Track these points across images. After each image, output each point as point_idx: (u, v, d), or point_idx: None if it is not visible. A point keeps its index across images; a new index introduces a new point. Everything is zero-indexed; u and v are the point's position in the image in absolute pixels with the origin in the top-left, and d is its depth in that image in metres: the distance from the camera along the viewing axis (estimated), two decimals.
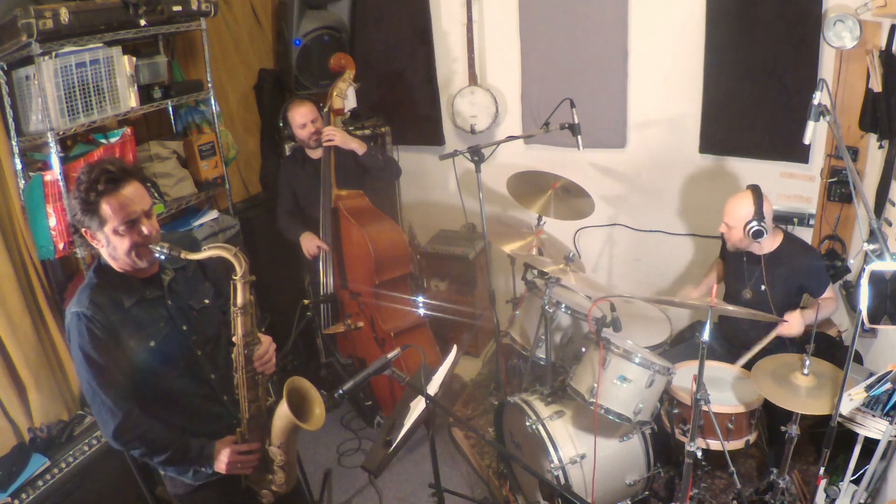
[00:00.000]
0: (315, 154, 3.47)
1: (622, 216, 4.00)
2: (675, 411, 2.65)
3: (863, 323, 2.05)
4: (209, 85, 3.34)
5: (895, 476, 2.39)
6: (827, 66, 3.16)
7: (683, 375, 2.67)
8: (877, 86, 2.84)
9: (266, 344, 1.95)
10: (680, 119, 3.62)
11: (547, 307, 2.87)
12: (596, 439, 2.58)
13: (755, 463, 3.10)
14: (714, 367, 2.78)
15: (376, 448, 2.20)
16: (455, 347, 2.25)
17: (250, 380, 1.91)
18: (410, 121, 4.31)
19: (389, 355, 1.99)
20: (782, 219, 3.40)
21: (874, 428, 2.15)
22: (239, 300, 1.83)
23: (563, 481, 2.53)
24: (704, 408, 2.38)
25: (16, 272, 2.63)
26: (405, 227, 4.44)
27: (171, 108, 3.38)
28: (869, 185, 3.04)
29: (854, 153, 3.13)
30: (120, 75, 2.83)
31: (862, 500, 2.33)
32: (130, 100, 2.91)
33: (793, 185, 3.46)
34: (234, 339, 1.88)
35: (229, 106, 3.84)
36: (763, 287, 2.80)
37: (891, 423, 2.11)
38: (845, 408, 2.18)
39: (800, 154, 3.34)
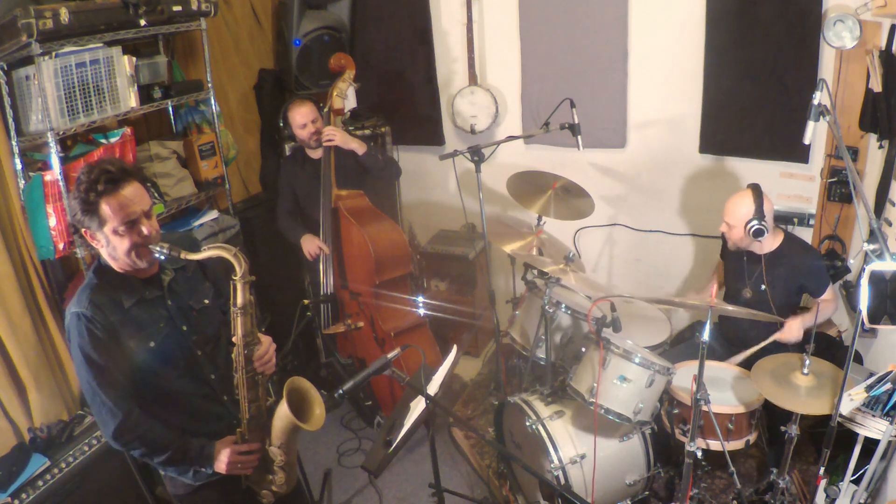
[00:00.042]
0: (315, 154, 3.47)
1: (622, 216, 4.00)
2: (675, 411, 2.65)
3: (863, 323, 2.06)
4: (209, 85, 3.34)
5: (895, 476, 2.39)
6: (827, 66, 3.16)
7: (683, 375, 2.67)
8: (877, 86, 2.84)
9: (266, 344, 1.95)
10: (680, 119, 3.62)
11: (547, 307, 2.87)
12: (596, 439, 2.58)
13: (755, 463, 3.10)
14: (714, 367, 2.78)
15: (376, 448, 2.20)
16: (455, 347, 2.25)
17: (250, 380, 1.91)
18: (410, 121, 4.31)
19: (389, 355, 1.99)
20: (782, 219, 3.41)
21: (874, 428, 2.15)
22: (239, 300, 1.82)
23: (563, 481, 2.53)
24: (704, 408, 2.38)
25: (16, 272, 2.63)
26: (405, 227, 4.44)
27: (171, 108, 3.38)
28: (869, 185, 3.04)
29: (854, 153, 3.13)
30: (120, 75, 2.83)
31: (862, 500, 2.33)
32: (130, 100, 2.91)
33: (793, 185, 3.46)
34: (234, 339, 1.87)
35: (229, 106, 3.84)
36: (763, 287, 2.80)
37: (891, 423, 2.11)
38: (845, 408, 2.18)
39: (800, 154, 3.34)
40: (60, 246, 2.66)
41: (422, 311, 3.54)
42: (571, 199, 3.38)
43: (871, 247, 2.13)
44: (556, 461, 2.55)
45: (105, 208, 1.70)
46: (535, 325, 3.02)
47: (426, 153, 4.35)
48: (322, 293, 3.44)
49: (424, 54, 4.13)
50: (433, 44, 4.09)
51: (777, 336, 2.75)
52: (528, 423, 2.67)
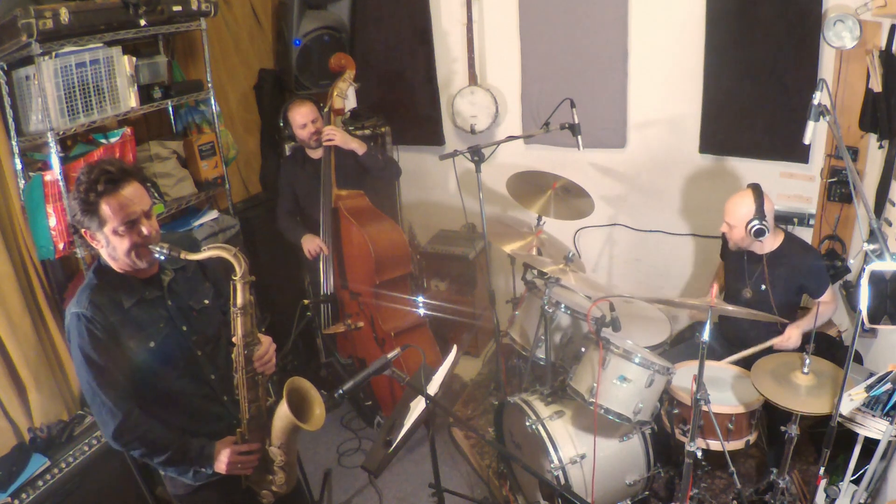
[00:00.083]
0: (315, 154, 3.47)
1: (622, 216, 4.00)
2: (675, 411, 2.66)
3: (863, 323, 2.06)
4: (209, 85, 3.34)
5: (895, 476, 2.39)
6: (827, 66, 3.16)
7: (683, 375, 2.67)
8: (877, 86, 2.84)
9: (266, 344, 1.95)
10: (680, 119, 3.62)
11: (547, 307, 2.87)
12: (596, 439, 2.58)
13: (755, 463, 3.10)
14: (714, 367, 2.78)
15: (376, 448, 2.20)
16: (455, 347, 2.25)
17: (250, 380, 1.91)
18: (410, 121, 4.31)
19: (389, 355, 1.99)
20: (782, 219, 3.41)
21: (874, 428, 2.15)
22: (239, 300, 1.82)
23: (563, 481, 2.53)
24: (704, 408, 2.38)
25: (16, 272, 2.63)
26: (405, 227, 4.44)
27: (171, 108, 3.38)
28: (869, 185, 3.04)
29: (854, 153, 3.13)
30: (120, 75, 2.83)
31: (862, 500, 2.33)
32: (130, 100, 2.91)
33: (793, 185, 3.46)
34: (234, 339, 1.87)
35: (229, 106, 3.84)
36: (764, 287, 2.80)
37: (891, 423, 2.11)
38: (845, 408, 2.18)
39: (800, 154, 3.34)
40: (60, 246, 2.66)
41: (422, 311, 3.54)
42: (571, 199, 3.38)
43: (871, 247, 2.13)
44: (556, 461, 2.55)
45: (105, 208, 1.70)
46: (535, 325, 3.02)
47: (426, 153, 4.35)
48: (322, 293, 3.44)
49: (424, 54, 4.12)
50: (433, 44, 4.09)
51: (775, 342, 2.75)
52: (528, 423, 2.67)
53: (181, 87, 3.23)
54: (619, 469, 2.66)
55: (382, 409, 3.62)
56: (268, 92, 4.05)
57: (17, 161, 2.67)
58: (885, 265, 1.99)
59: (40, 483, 2.39)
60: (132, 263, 1.80)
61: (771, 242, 2.78)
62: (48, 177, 2.61)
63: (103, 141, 2.86)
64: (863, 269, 2.05)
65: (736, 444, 2.58)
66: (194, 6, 3.07)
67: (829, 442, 2.21)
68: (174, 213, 3.30)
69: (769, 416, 2.74)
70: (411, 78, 4.23)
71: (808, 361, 2.33)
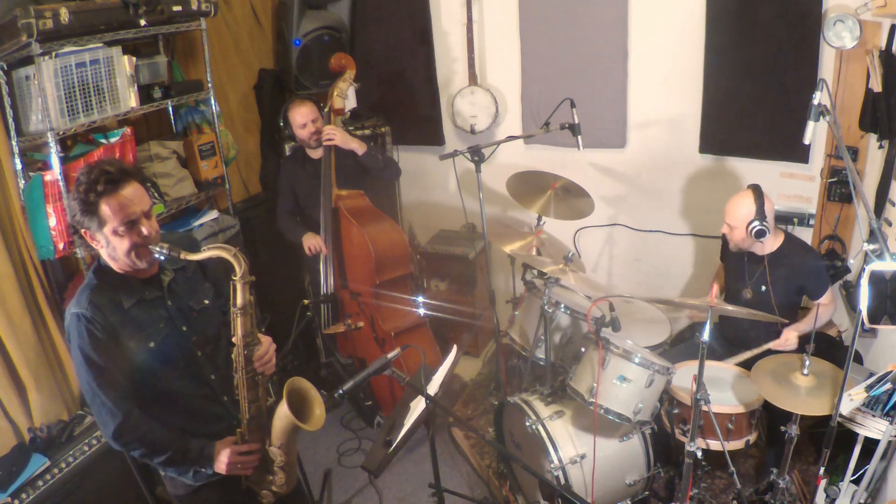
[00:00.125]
0: (315, 154, 3.47)
1: (622, 216, 4.00)
2: (675, 411, 2.65)
3: (863, 323, 2.05)
4: (209, 85, 3.34)
5: (895, 476, 2.39)
6: (827, 66, 3.16)
7: (683, 375, 2.67)
8: (877, 86, 2.84)
9: (266, 344, 1.95)
10: (680, 119, 3.62)
11: (546, 307, 2.87)
12: (596, 439, 2.58)
13: (755, 463, 3.10)
14: (714, 367, 2.78)
15: (376, 448, 2.20)
16: (455, 347, 2.25)
17: (250, 380, 1.91)
18: (410, 121, 4.31)
19: (389, 355, 1.99)
20: (782, 219, 3.41)
21: (874, 428, 2.15)
22: (239, 301, 1.82)
23: (563, 481, 2.54)
24: (704, 408, 2.38)
25: (16, 272, 2.63)
26: (405, 227, 4.44)
27: (171, 108, 3.38)
28: (869, 185, 3.04)
29: (854, 153, 3.13)
30: (120, 75, 2.83)
31: (862, 500, 2.33)
32: (130, 100, 2.91)
33: (793, 185, 3.46)
34: (233, 339, 1.87)
35: (229, 106, 3.84)
36: (764, 288, 2.80)
37: (891, 423, 2.11)
38: (845, 408, 2.18)
39: (800, 154, 3.34)
40: (60, 246, 2.66)
41: (422, 311, 3.54)
42: (571, 199, 3.38)
43: (871, 247, 2.13)
44: (556, 461, 2.55)
45: (105, 209, 1.70)
46: (535, 325, 3.02)
47: (426, 153, 4.35)
48: (322, 293, 3.44)
49: (424, 54, 4.12)
50: (433, 44, 4.09)
51: (772, 345, 2.75)
52: (528, 423, 2.67)
53: (181, 87, 3.23)
54: (619, 469, 2.66)
55: (382, 409, 3.62)
56: (268, 92, 4.05)
57: (17, 161, 2.67)
58: (885, 265, 1.99)
59: (40, 483, 2.39)
60: (132, 264, 1.79)
61: (771, 243, 2.78)
62: (48, 177, 2.61)
63: (103, 141, 2.86)
64: (863, 269, 2.05)
65: (736, 444, 2.58)
66: (194, 6, 3.07)
67: (829, 442, 2.21)
68: (174, 213, 3.30)
69: (769, 416, 2.75)
70: (411, 78, 4.23)
71: (807, 362, 2.33)
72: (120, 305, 1.81)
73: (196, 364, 1.94)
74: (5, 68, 2.63)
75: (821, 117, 2.12)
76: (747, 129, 3.45)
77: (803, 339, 2.71)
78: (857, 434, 2.22)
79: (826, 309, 2.73)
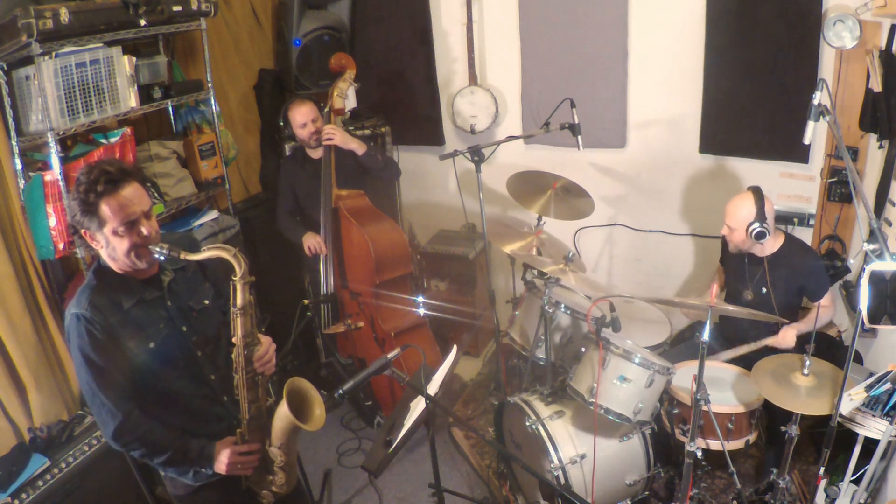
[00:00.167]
0: (315, 154, 3.47)
1: (622, 216, 4.00)
2: (675, 411, 2.66)
3: (863, 323, 2.05)
4: (209, 85, 3.34)
5: (895, 476, 2.39)
6: (827, 66, 3.16)
7: (683, 375, 2.67)
8: (877, 86, 2.83)
9: (266, 344, 1.95)
10: (680, 119, 3.62)
11: (547, 307, 2.87)
12: (596, 439, 2.58)
13: (755, 463, 3.10)
14: (714, 367, 2.78)
15: (376, 448, 2.20)
16: (455, 347, 2.25)
17: (250, 380, 1.90)
18: (410, 121, 4.31)
19: (389, 355, 1.99)
20: (782, 219, 3.40)
21: (874, 428, 2.15)
22: (238, 301, 1.82)
23: (563, 481, 2.54)
24: (704, 408, 2.38)
25: (16, 272, 2.62)
26: (405, 227, 4.44)
27: (171, 108, 3.38)
28: (869, 185, 3.04)
29: (854, 153, 3.13)
30: (120, 75, 2.83)
31: (862, 500, 2.33)
32: (130, 100, 2.91)
33: (793, 185, 3.46)
34: (233, 339, 1.87)
35: (229, 106, 3.84)
36: (765, 289, 2.80)
37: (891, 423, 2.11)
38: (845, 408, 2.18)
39: (800, 154, 3.34)
40: (60, 246, 2.66)
41: (422, 311, 3.54)
42: (571, 199, 3.38)
43: (871, 247, 2.13)
44: (556, 461, 2.55)
45: (104, 209, 1.70)
46: (535, 325, 3.02)
47: (426, 153, 4.35)
48: (322, 293, 3.44)
49: (424, 54, 4.12)
50: (433, 44, 4.09)
51: (770, 341, 2.75)
52: (528, 423, 2.67)
53: (181, 87, 3.23)
54: (619, 469, 2.66)
55: (382, 409, 3.62)
56: (268, 92, 4.05)
57: (17, 161, 2.67)
58: (885, 265, 1.99)
59: (40, 483, 2.39)
60: (132, 264, 1.79)
61: (771, 245, 2.78)
62: (48, 177, 2.61)
63: (103, 141, 2.86)
64: (863, 269, 2.05)
65: (736, 444, 2.58)
66: (194, 6, 3.07)
67: (829, 442, 2.21)
68: (174, 213, 3.30)
69: (769, 416, 2.75)
70: (411, 78, 4.23)
71: (808, 362, 2.33)
72: (120, 306, 1.81)
73: (196, 364, 1.94)
74: (5, 68, 2.63)
75: (821, 117, 2.12)
76: (747, 129, 3.45)
77: (803, 340, 2.71)
78: (857, 434, 2.21)
79: (826, 310, 2.73)
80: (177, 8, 2.98)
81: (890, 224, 2.72)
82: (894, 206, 2.72)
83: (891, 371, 2.18)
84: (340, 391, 1.91)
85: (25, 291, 2.67)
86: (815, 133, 2.22)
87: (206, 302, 2.01)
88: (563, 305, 3.00)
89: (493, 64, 4.03)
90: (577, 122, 3.06)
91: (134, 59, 2.93)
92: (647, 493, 2.77)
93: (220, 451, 1.90)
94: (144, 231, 1.76)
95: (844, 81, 3.10)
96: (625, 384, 2.48)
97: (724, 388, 2.66)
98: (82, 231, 1.76)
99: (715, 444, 2.54)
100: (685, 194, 3.79)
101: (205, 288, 2.03)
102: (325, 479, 2.99)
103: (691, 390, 2.35)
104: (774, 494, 2.58)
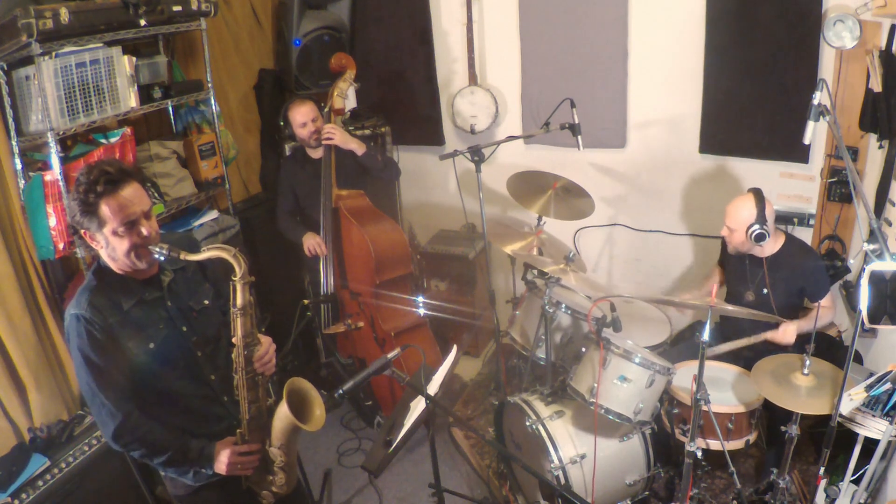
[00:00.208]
0: (315, 154, 3.47)
1: (622, 216, 4.00)
2: (675, 411, 2.66)
3: (863, 323, 2.05)
4: (209, 85, 3.34)
5: (895, 476, 2.39)
6: (827, 66, 3.16)
7: (683, 375, 2.67)
8: (877, 86, 2.84)
9: (266, 345, 1.95)
10: (680, 119, 3.62)
11: (547, 307, 2.87)
12: (596, 439, 2.58)
13: (755, 463, 3.10)
14: (714, 367, 2.78)
15: (376, 448, 2.20)
16: (455, 347, 2.25)
17: (250, 381, 1.91)
18: (410, 121, 4.30)
19: (389, 355, 1.99)
20: (782, 219, 3.40)
21: (874, 428, 2.15)
22: (238, 301, 1.82)
23: (563, 481, 2.54)
24: (704, 408, 2.38)
25: (16, 272, 2.62)
26: (405, 227, 4.44)
27: (171, 108, 3.37)
28: (869, 185, 3.04)
29: (854, 153, 3.13)
30: (120, 75, 2.83)
31: (862, 500, 2.33)
32: (130, 100, 2.91)
33: (793, 185, 3.46)
34: (233, 339, 1.87)
35: (229, 106, 3.84)
36: (766, 290, 2.80)
37: (891, 423, 2.11)
38: (845, 408, 2.18)
39: (800, 154, 3.34)
40: (60, 246, 2.66)
41: (422, 311, 3.54)
42: (571, 199, 3.38)
43: (871, 247, 2.13)
44: (556, 461, 2.55)
45: (104, 209, 1.70)
46: (535, 325, 3.02)
47: (426, 153, 4.35)
48: (322, 293, 3.44)
49: (424, 54, 4.12)
50: (433, 44, 4.09)
51: (770, 335, 2.74)
52: (528, 423, 2.67)
53: (181, 87, 3.23)
54: (619, 469, 2.66)
55: (382, 409, 3.62)
56: (268, 92, 4.05)
57: (17, 161, 2.67)
58: (885, 265, 1.99)
59: (40, 483, 2.39)
60: (132, 264, 1.79)
61: (772, 245, 2.78)
62: (48, 177, 2.61)
63: (103, 141, 2.86)
64: (863, 269, 2.05)
65: (736, 444, 2.58)
66: (194, 6, 3.07)
67: (829, 442, 2.21)
68: (174, 213, 3.30)
69: (769, 416, 2.75)
70: (411, 78, 4.23)
71: (807, 362, 2.33)
72: (119, 306, 1.81)
73: (196, 364, 1.94)
74: (5, 68, 2.63)
75: (821, 117, 2.12)
76: (747, 129, 3.45)
77: (803, 339, 2.71)
78: (857, 434, 2.22)
79: (827, 311, 2.73)
80: (177, 8, 2.98)
81: (890, 224, 2.72)
82: (894, 206, 2.72)
83: (891, 371, 2.18)
84: (340, 391, 1.91)
85: (25, 291, 2.67)
86: (815, 133, 2.22)
87: (206, 302, 2.00)
88: (563, 305, 3.00)
89: (493, 64, 4.03)
90: (577, 122, 3.06)
91: (134, 59, 2.93)
92: (647, 493, 2.77)
93: (220, 452, 1.90)
94: (144, 231, 1.76)
95: (844, 81, 3.10)
96: (625, 384, 2.48)
97: (724, 388, 2.66)
98: (82, 231, 1.76)
99: (715, 444, 2.54)
100: (685, 194, 3.79)
101: (205, 288, 2.03)
102: (325, 479, 2.98)
103: (691, 390, 2.35)
104: (774, 494, 2.58)
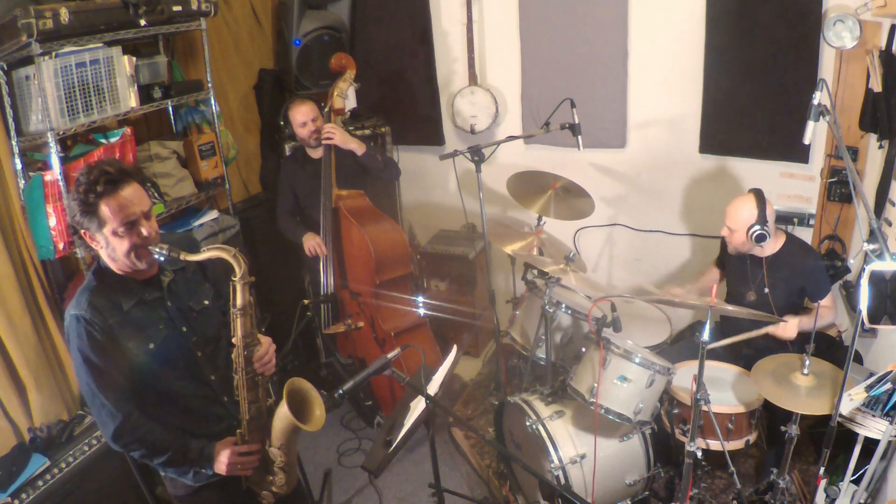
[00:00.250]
0: (315, 154, 3.47)
1: (622, 216, 4.00)
2: (675, 411, 2.66)
3: (863, 323, 2.05)
4: (209, 85, 3.34)
5: (895, 476, 2.39)
6: (827, 66, 3.16)
7: (683, 375, 2.67)
8: (877, 86, 2.83)
9: (266, 345, 1.95)
10: (680, 119, 3.62)
11: (547, 307, 2.87)
12: (596, 439, 2.58)
13: (755, 463, 3.10)
14: (714, 367, 2.78)
15: (376, 448, 2.20)
16: (455, 347, 2.25)
17: (250, 381, 1.90)
18: (410, 121, 4.31)
19: (389, 355, 1.99)
20: (782, 219, 3.40)
21: (874, 428, 2.15)
22: (238, 301, 1.82)
23: (563, 481, 2.54)
24: (704, 408, 2.38)
25: (16, 272, 2.62)
26: (405, 227, 4.44)
27: (171, 108, 3.37)
28: (869, 185, 3.04)
29: (854, 153, 3.13)
30: (120, 75, 2.83)
31: (862, 500, 2.33)
32: (130, 100, 2.91)
33: (793, 185, 3.46)
34: (233, 340, 1.87)
35: (229, 106, 3.84)
36: (766, 290, 2.80)
37: (891, 423, 2.11)
38: (845, 408, 2.18)
39: (800, 154, 3.34)
40: (60, 246, 2.66)
41: (422, 311, 3.54)
42: (571, 199, 3.38)
43: (871, 247, 2.13)
44: (556, 461, 2.55)
45: (104, 209, 1.70)
46: (536, 325, 3.02)
47: (426, 153, 4.35)
48: (322, 293, 3.44)
49: (424, 54, 4.12)
50: (433, 44, 4.09)
51: (771, 329, 2.72)
52: (528, 423, 2.67)
53: (181, 87, 3.23)
54: (619, 469, 2.66)
55: (382, 409, 3.62)
56: (268, 92, 4.05)
57: (17, 161, 2.67)
58: (885, 265, 1.99)
59: (40, 483, 2.39)
60: (132, 264, 1.79)
61: (772, 246, 2.77)
62: (48, 177, 2.61)
63: (103, 141, 2.86)
64: (863, 269, 2.05)
65: (736, 444, 2.58)
66: (194, 6, 3.07)
67: (829, 442, 2.21)
68: (174, 213, 3.30)
69: (769, 416, 2.75)
70: (411, 78, 4.23)
71: (807, 362, 2.33)
72: (119, 307, 1.81)
73: (196, 365, 1.94)
74: (5, 68, 2.63)
75: (821, 117, 2.13)
76: (747, 129, 3.45)
77: (803, 339, 2.71)
78: (857, 434, 2.22)
79: (827, 311, 2.73)
80: (177, 8, 2.98)
81: (890, 224, 2.72)
82: (894, 206, 2.72)
83: (891, 371, 2.18)
84: (340, 391, 1.91)
85: (25, 291, 2.67)
86: (815, 133, 2.23)
87: (206, 302, 2.00)
88: (563, 305, 3.00)
89: (493, 64, 4.03)
90: (577, 122, 3.06)
91: (134, 59, 2.93)
92: (647, 493, 2.77)
93: (220, 452, 1.90)
94: (144, 231, 1.76)
95: (844, 81, 3.10)
96: (625, 384, 2.48)
97: (724, 388, 2.66)
98: (82, 231, 1.76)
99: (715, 444, 2.54)
100: (685, 194, 3.79)
101: (205, 288, 2.03)
102: (325, 479, 2.99)
103: (691, 390, 2.35)
104: (774, 494, 2.58)
